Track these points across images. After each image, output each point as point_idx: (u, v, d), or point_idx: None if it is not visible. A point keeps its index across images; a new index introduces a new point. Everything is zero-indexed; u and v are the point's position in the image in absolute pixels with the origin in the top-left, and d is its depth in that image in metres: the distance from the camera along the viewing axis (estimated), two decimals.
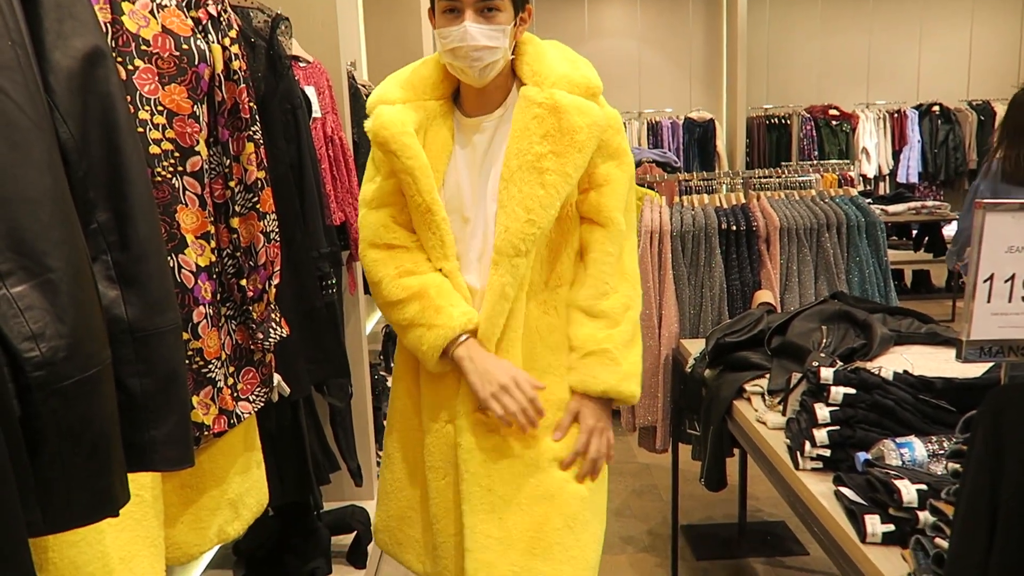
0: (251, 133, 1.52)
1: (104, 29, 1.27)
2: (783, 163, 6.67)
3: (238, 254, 1.52)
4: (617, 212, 1.46)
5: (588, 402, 1.46)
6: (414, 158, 1.41)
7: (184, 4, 1.41)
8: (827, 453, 1.53)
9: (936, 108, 7.85)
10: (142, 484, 1.36)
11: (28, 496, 0.83)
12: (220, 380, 1.45)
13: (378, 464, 3.25)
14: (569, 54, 1.49)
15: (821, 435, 1.52)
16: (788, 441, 1.66)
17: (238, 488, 1.58)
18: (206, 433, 1.46)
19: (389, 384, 4.74)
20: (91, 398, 0.87)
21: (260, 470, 1.67)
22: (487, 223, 1.45)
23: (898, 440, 1.43)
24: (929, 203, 5.88)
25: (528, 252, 1.40)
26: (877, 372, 1.58)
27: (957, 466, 1.19)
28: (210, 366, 1.44)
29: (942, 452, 1.40)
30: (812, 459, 1.55)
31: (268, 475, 1.72)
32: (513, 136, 1.41)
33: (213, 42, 1.44)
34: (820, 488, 1.49)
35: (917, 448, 1.41)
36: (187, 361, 1.37)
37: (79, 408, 0.86)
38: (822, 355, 1.78)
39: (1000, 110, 7.78)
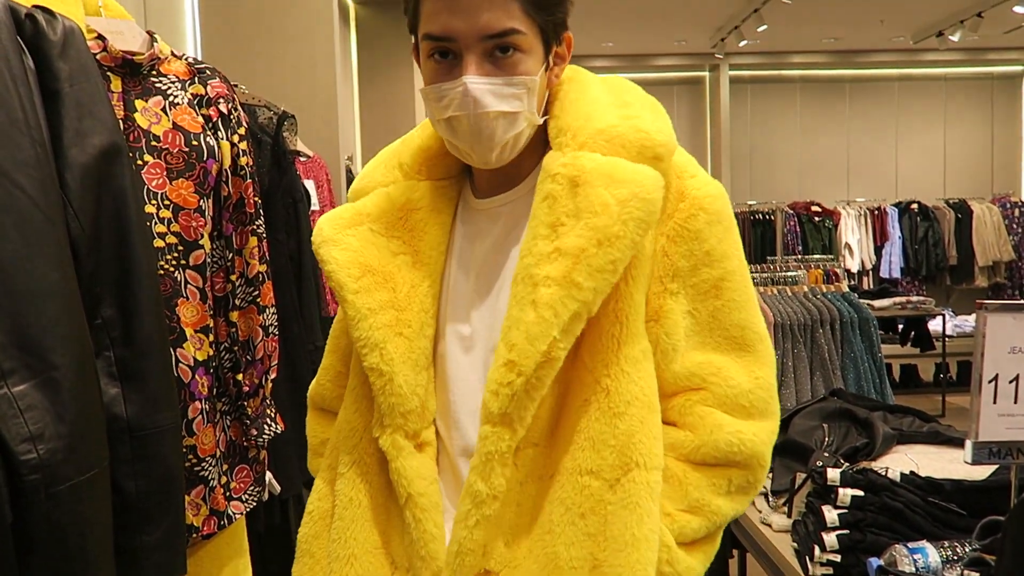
0: (255, 227, 1.52)
1: None
2: (768, 258, 6.79)
3: (236, 348, 1.50)
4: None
5: None
6: (330, 276, 0.97)
7: (196, 102, 1.44)
8: (837, 558, 1.48)
9: (915, 206, 8.07)
10: None
11: None
12: (213, 479, 1.40)
13: None
14: (628, 94, 0.98)
15: (831, 539, 1.48)
16: (796, 545, 1.61)
17: None
18: (195, 535, 1.40)
19: None
20: (86, 502, 0.84)
21: (248, 574, 1.59)
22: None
23: (911, 545, 1.39)
24: (914, 298, 5.95)
25: (513, 419, 0.87)
26: (884, 473, 1.55)
27: (977, 575, 1.15)
28: (203, 464, 1.39)
29: (956, 559, 1.36)
30: (822, 564, 1.50)
31: None
32: (528, 228, 0.91)
33: (223, 139, 1.46)
34: None
35: (931, 554, 1.37)
36: None
37: (73, 512, 0.83)
38: (826, 454, 1.75)
39: (976, 209, 8.01)
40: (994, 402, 1.34)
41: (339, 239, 0.97)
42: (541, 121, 0.94)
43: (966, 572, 1.17)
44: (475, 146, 0.90)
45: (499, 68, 0.87)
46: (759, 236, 8.04)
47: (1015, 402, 1.34)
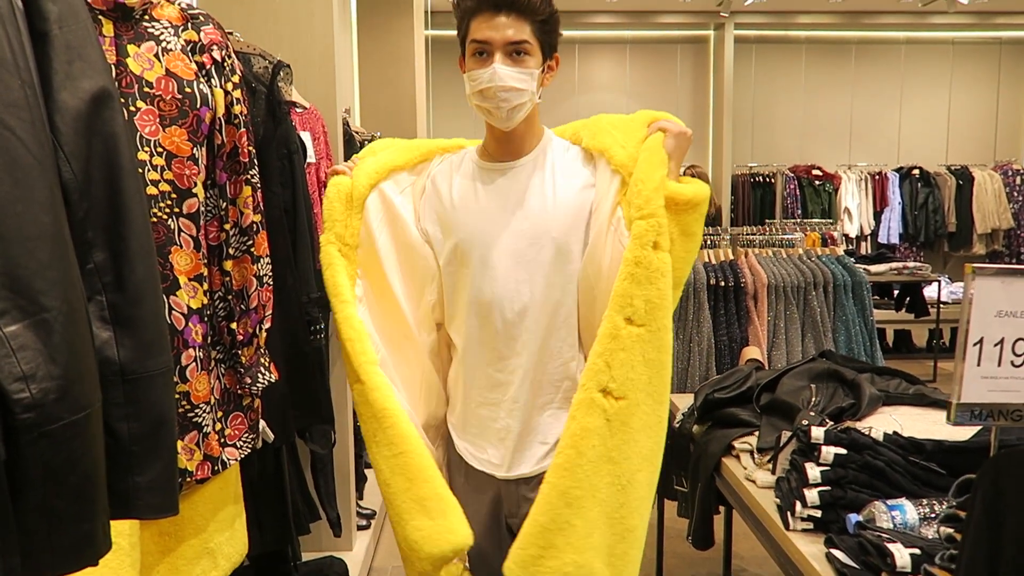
0: (249, 176, 1.52)
1: None
2: (767, 220, 6.78)
3: (230, 297, 1.51)
4: None
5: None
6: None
7: (189, 49, 1.42)
8: (818, 514, 1.51)
9: (916, 171, 8.02)
10: (119, 531, 1.32)
11: (8, 541, 0.81)
12: (207, 425, 1.42)
13: (358, 514, 3.18)
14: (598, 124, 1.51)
15: (812, 495, 1.51)
16: (778, 500, 1.64)
17: (218, 537, 1.54)
18: (188, 480, 1.43)
19: None
20: (79, 441, 0.85)
21: (241, 519, 1.63)
22: (530, 269, 1.44)
23: (889, 502, 1.42)
24: (910, 264, 5.96)
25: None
26: (867, 432, 1.58)
27: (951, 531, 1.18)
28: (197, 410, 1.41)
29: (933, 516, 1.39)
30: (803, 519, 1.53)
31: (247, 524, 1.67)
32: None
33: (216, 86, 1.45)
34: (811, 549, 1.47)
35: (908, 511, 1.40)
36: None
37: (66, 451, 0.84)
38: (812, 414, 1.77)
39: (978, 176, 7.97)
40: (978, 364, 1.36)
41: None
42: (539, 99, 1.47)
43: (941, 528, 1.20)
44: (495, 105, 1.41)
45: (515, 62, 1.41)
46: (759, 199, 8.00)
47: (999, 365, 1.36)
